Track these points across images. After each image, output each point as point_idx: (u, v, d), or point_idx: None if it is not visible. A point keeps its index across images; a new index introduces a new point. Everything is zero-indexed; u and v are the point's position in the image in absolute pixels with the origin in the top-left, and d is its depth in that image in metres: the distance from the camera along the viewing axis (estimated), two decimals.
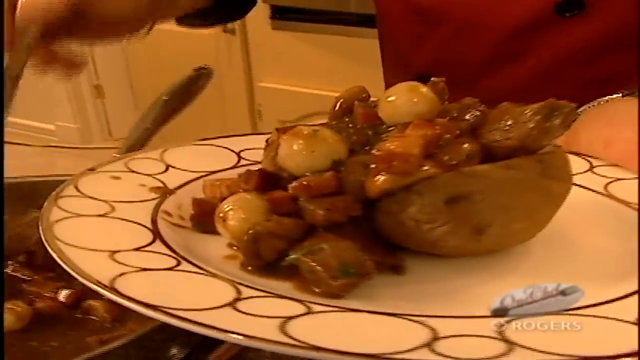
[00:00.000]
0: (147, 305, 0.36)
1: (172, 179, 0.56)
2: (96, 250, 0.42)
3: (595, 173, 0.58)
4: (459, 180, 0.42)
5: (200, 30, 2.19)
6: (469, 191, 0.42)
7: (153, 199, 0.52)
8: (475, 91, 0.78)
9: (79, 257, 0.41)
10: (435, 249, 0.44)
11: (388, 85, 1.02)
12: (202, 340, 0.55)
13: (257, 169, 0.48)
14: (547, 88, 0.80)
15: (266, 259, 0.43)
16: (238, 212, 0.45)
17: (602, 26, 0.79)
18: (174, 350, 0.56)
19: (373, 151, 0.43)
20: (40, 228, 0.45)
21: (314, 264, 0.41)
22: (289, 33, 2.05)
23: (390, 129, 0.47)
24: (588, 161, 0.60)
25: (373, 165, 0.43)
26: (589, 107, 0.69)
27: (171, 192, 0.53)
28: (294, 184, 0.44)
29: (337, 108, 0.52)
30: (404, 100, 0.48)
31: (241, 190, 0.48)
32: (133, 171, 0.56)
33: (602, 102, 0.69)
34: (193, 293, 0.40)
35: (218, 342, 0.54)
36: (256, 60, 2.14)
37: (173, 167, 0.58)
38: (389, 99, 0.48)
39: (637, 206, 0.52)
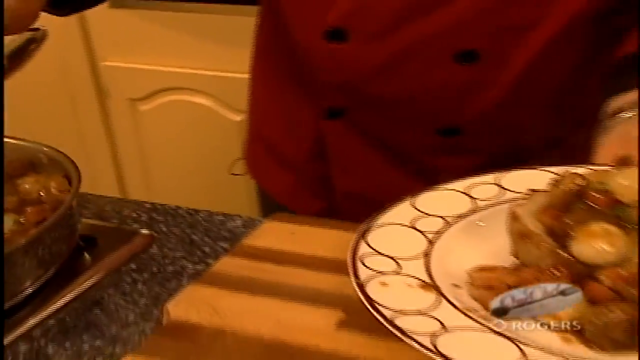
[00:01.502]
0: None
1: None
2: None
3: None
4: None
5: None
6: None
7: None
8: (390, 43, 0.81)
9: None
10: None
11: (265, 53, 0.99)
12: None
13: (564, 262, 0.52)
14: (463, 35, 0.81)
15: (622, 341, 0.48)
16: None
17: None
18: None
19: None
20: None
21: None
22: (127, 11, 1.94)
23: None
24: None
25: None
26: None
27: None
28: (607, 275, 0.50)
29: (560, 193, 0.56)
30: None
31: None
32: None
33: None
34: None
35: None
36: (97, 40, 2.01)
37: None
38: (623, 181, 0.54)
39: None
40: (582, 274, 0.52)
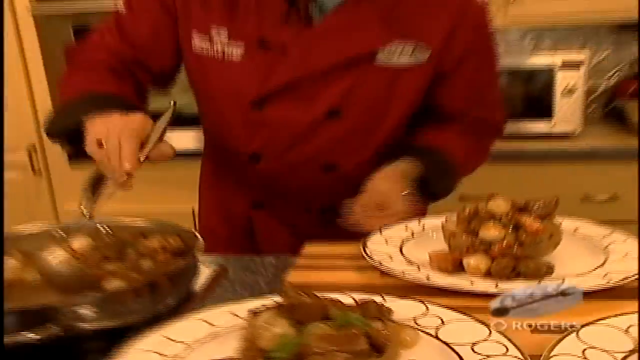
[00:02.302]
0: None
1: None
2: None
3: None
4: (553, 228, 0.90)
5: (9, 173, 2.16)
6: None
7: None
8: (285, 160, 1.11)
9: None
10: None
11: (218, 167, 1.24)
12: None
13: (475, 244, 0.88)
14: (327, 155, 1.11)
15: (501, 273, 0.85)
16: (484, 260, 0.87)
17: (350, 126, 1.10)
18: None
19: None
20: None
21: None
22: (85, 169, 2.22)
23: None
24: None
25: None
26: None
27: None
28: (497, 246, 0.86)
29: (466, 214, 0.93)
30: (506, 211, 0.91)
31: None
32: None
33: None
34: None
35: None
36: (59, 190, 2.21)
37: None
38: (493, 204, 0.91)
39: None
40: (485, 248, 0.88)
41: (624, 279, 0.80)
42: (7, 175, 2.18)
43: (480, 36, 1.12)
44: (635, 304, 0.72)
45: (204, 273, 0.93)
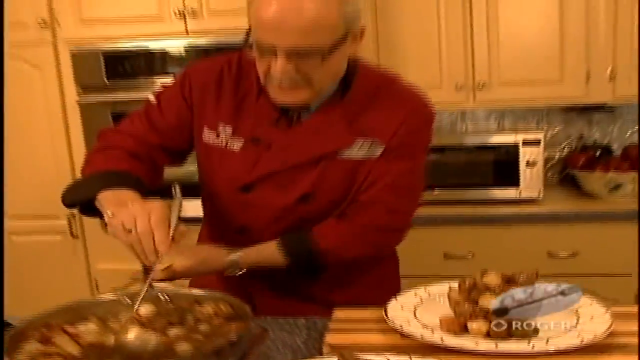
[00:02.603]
0: None
1: None
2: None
3: None
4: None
5: (51, 237, 2.24)
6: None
7: None
8: (267, 233, 1.21)
9: None
10: None
11: (212, 235, 1.33)
12: None
13: (476, 311, 1.01)
14: (310, 224, 1.19)
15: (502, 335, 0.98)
16: (484, 324, 0.99)
17: (318, 207, 1.19)
18: None
19: None
20: None
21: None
22: None
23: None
24: None
25: None
26: None
27: None
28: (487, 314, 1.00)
29: (466, 286, 1.07)
30: (498, 283, 1.05)
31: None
32: None
33: None
34: None
35: None
36: (93, 252, 2.29)
37: None
38: (486, 278, 1.06)
39: None
40: (484, 314, 1.01)
41: (594, 338, 0.94)
42: (49, 238, 2.30)
43: (415, 135, 1.20)
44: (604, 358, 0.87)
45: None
